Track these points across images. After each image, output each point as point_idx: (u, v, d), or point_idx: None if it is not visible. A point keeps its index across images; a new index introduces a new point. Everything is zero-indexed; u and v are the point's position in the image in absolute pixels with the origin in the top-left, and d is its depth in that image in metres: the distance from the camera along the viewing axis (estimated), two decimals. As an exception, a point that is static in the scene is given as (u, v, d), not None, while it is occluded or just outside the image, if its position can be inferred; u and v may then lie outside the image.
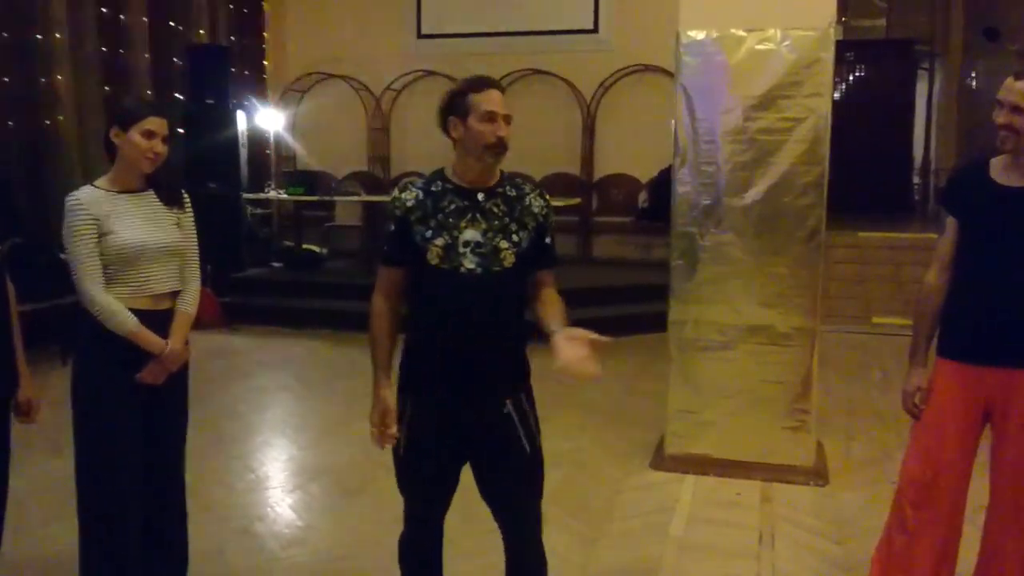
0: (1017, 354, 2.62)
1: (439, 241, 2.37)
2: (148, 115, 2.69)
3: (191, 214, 2.89)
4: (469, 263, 2.35)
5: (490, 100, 2.35)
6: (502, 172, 2.47)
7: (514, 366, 2.47)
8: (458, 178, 2.43)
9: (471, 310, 2.36)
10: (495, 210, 2.38)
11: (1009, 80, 2.58)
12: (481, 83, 2.38)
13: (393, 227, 2.44)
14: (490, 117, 2.33)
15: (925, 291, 2.82)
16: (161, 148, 2.71)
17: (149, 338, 2.71)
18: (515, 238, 2.39)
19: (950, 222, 2.78)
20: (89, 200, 2.65)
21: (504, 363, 2.44)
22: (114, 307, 2.64)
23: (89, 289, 2.63)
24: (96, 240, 2.63)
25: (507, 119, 2.36)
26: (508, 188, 2.43)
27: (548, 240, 2.47)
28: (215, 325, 7.86)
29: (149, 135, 2.68)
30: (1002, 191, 2.64)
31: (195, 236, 2.89)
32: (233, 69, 9.22)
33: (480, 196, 2.39)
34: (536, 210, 2.44)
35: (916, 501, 2.80)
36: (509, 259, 2.37)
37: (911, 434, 2.87)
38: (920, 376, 2.79)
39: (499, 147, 2.35)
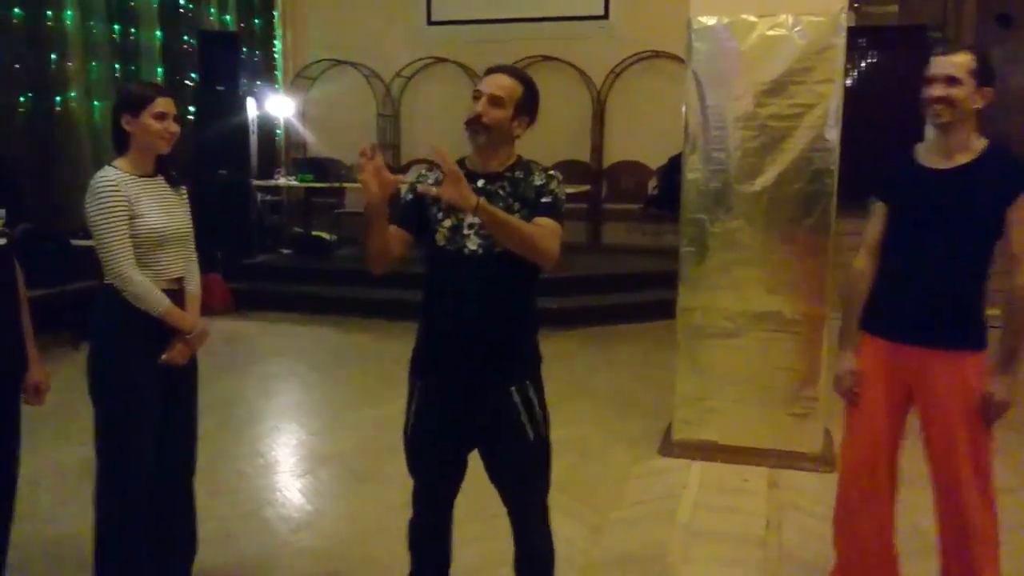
0: (932, 334, 2.65)
1: (447, 223, 2.40)
2: (156, 96, 2.70)
3: (186, 196, 2.92)
4: (472, 244, 2.37)
5: (481, 82, 2.42)
6: (519, 157, 2.47)
7: (520, 353, 2.47)
8: (472, 163, 2.45)
9: (473, 290, 2.37)
10: (500, 192, 2.39)
11: (937, 57, 2.62)
12: (487, 71, 2.47)
13: (410, 196, 2.48)
14: (475, 96, 2.39)
15: (852, 276, 2.88)
16: (175, 127, 2.74)
17: (180, 316, 2.75)
18: (517, 217, 2.36)
19: (877, 207, 2.83)
20: (119, 181, 2.66)
21: (509, 349, 2.43)
22: (149, 287, 2.67)
23: (124, 270, 2.63)
24: (127, 222, 2.64)
25: (492, 99, 2.35)
26: (517, 172, 2.43)
27: (545, 199, 2.38)
28: (225, 311, 7.89)
29: (161, 116, 2.70)
30: (927, 173, 2.68)
31: (191, 220, 2.93)
32: (243, 55, 9.23)
33: (481, 182, 2.39)
34: (537, 183, 2.40)
35: (856, 479, 2.88)
36: None
37: (845, 413, 2.92)
38: (850, 360, 2.85)
39: (472, 123, 2.37)
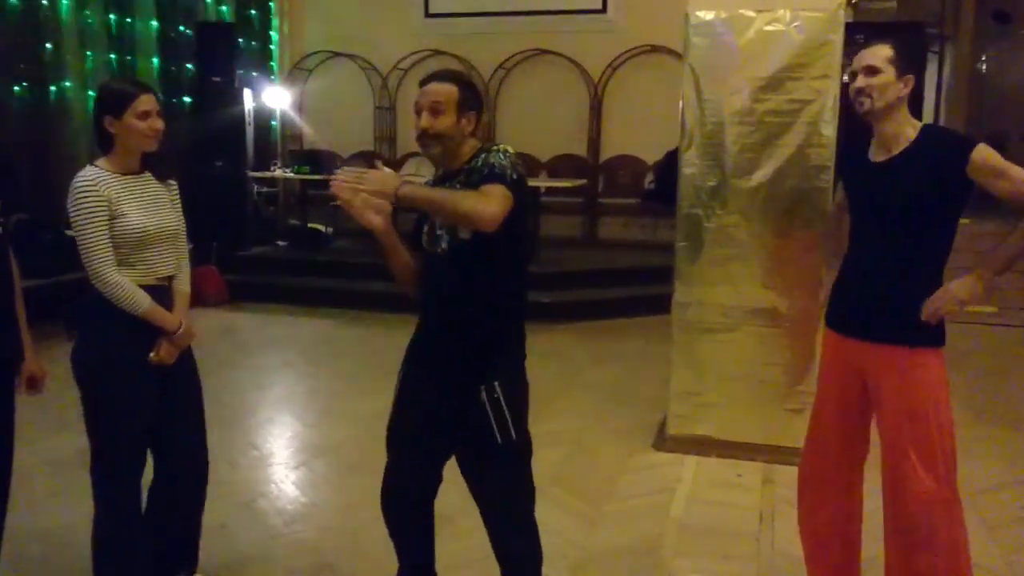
0: (878, 329, 2.64)
1: (426, 227, 2.45)
2: (139, 94, 2.65)
3: (177, 191, 2.89)
4: (443, 243, 2.41)
5: (418, 97, 2.42)
6: (480, 146, 2.46)
7: (489, 352, 2.45)
8: (444, 166, 2.49)
9: (444, 288, 2.43)
10: (457, 185, 2.38)
11: (860, 52, 2.66)
12: (420, 83, 2.47)
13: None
14: (416, 111, 2.41)
15: (828, 219, 3.13)
16: (159, 124, 2.70)
17: (163, 316, 2.71)
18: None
19: (840, 185, 2.93)
20: (98, 181, 2.64)
21: (477, 347, 2.43)
22: (128, 287, 2.64)
23: (102, 270, 2.62)
24: (107, 222, 2.62)
25: (432, 109, 2.36)
26: (475, 161, 2.41)
27: (485, 172, 2.31)
28: (220, 303, 7.89)
29: (145, 115, 2.65)
30: (870, 167, 2.70)
31: (182, 215, 2.90)
32: (240, 46, 9.20)
33: (447, 182, 2.42)
34: (480, 164, 2.36)
35: (806, 467, 2.94)
36: (465, 230, 2.36)
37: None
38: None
39: (421, 139, 2.39)
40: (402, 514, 2.66)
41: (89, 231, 2.61)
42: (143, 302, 2.66)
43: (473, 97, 2.44)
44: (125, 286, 2.63)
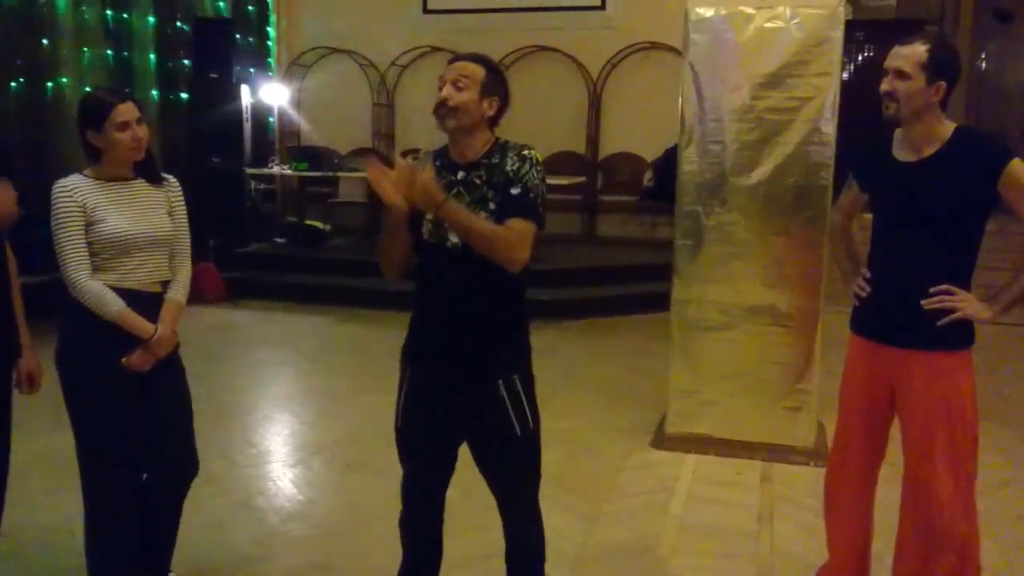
0: (910, 335, 2.59)
1: (431, 216, 2.37)
2: (115, 105, 2.62)
3: (182, 201, 2.85)
4: (455, 236, 2.35)
5: (445, 69, 2.42)
6: (497, 140, 2.44)
7: (507, 345, 2.45)
8: (452, 154, 2.44)
9: (457, 283, 2.37)
10: (476, 181, 2.36)
11: (895, 47, 2.52)
12: (448, 62, 2.47)
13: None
14: (439, 85, 2.39)
15: (832, 231, 3.05)
16: (142, 133, 2.66)
17: (136, 322, 2.66)
18: (491, 205, 2.34)
19: (853, 182, 2.86)
20: (75, 187, 2.63)
21: (495, 341, 2.42)
22: (98, 292, 2.60)
23: (72, 275, 2.60)
24: (82, 227, 2.60)
25: (455, 83, 2.35)
26: (494, 157, 2.39)
27: (515, 191, 2.32)
28: (218, 300, 7.87)
29: (124, 126, 2.62)
30: (896, 166, 2.60)
31: (187, 225, 2.85)
32: (237, 42, 9.18)
33: (461, 173, 2.38)
34: (509, 167, 2.36)
35: (833, 478, 2.90)
36: None
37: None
38: (857, 277, 2.78)
39: (438, 109, 2.36)
40: (421, 526, 2.63)
41: (62, 236, 2.60)
42: (112, 307, 2.62)
43: (499, 83, 2.42)
44: (94, 290, 2.60)
